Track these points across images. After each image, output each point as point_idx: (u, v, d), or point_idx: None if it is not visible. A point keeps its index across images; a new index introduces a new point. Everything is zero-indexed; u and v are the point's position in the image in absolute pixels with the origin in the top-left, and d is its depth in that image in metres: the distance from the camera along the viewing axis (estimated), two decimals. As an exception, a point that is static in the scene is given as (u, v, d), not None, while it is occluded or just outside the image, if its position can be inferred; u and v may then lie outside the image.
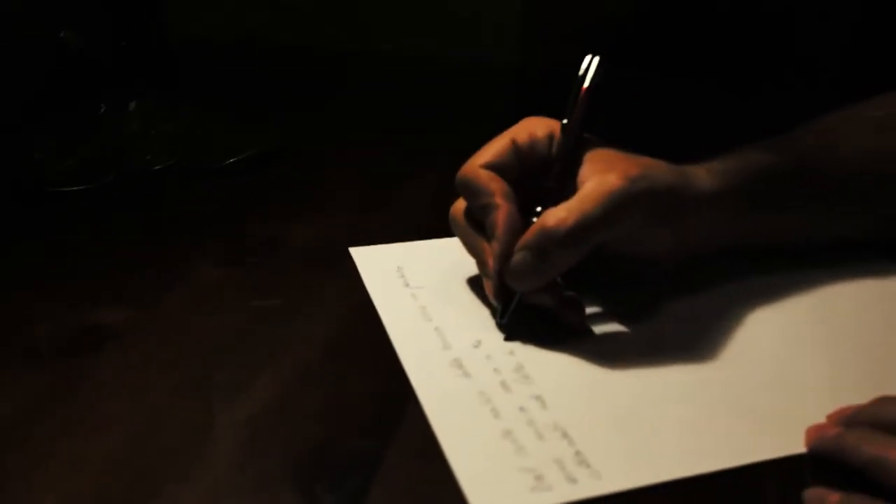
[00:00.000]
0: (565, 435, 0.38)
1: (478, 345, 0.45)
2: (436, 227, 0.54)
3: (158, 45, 0.71)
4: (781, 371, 0.44)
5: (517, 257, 0.44)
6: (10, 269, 0.53)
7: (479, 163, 0.47)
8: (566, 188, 0.45)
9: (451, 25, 0.97)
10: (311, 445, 0.39)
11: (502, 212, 0.45)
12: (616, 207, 0.43)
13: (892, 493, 0.35)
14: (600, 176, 0.44)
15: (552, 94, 0.49)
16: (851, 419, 0.39)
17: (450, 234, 0.50)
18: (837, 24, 0.83)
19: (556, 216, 0.43)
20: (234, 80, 0.89)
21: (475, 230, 0.47)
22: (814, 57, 0.85)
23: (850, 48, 0.83)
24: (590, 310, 0.48)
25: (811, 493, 0.36)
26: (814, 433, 0.39)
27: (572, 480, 0.36)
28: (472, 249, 0.48)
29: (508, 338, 0.45)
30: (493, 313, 0.47)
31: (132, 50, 0.67)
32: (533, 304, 0.46)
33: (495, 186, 0.46)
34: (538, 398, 0.41)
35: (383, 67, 0.94)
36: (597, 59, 0.47)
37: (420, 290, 0.50)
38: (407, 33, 0.97)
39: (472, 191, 0.47)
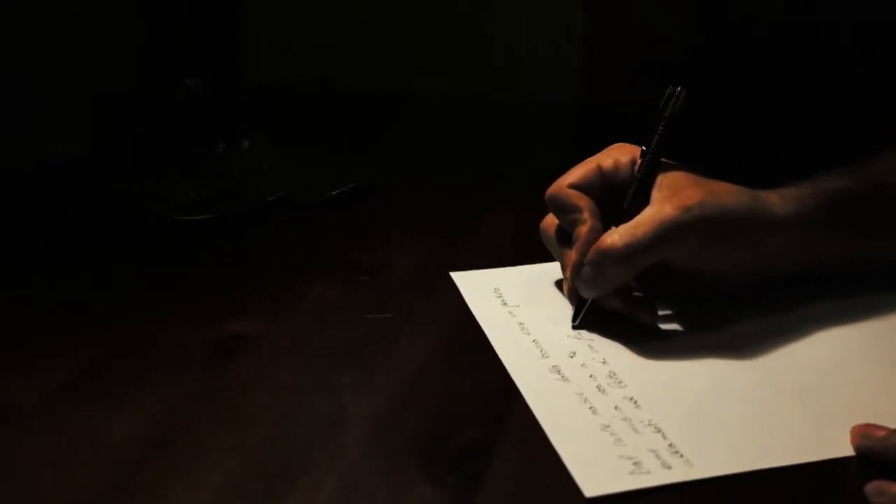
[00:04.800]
0: (658, 430, 0.43)
1: (573, 355, 0.50)
2: (516, 253, 0.61)
3: (255, 91, 0.79)
4: (849, 379, 0.48)
5: (583, 270, 0.50)
6: (151, 289, 0.59)
7: (567, 182, 0.53)
8: (640, 208, 0.51)
9: (514, 69, 1.05)
10: (431, 434, 0.44)
11: (586, 226, 0.51)
12: (665, 235, 0.49)
13: None
14: (659, 204, 0.50)
15: (610, 130, 0.55)
16: None
17: (532, 260, 0.55)
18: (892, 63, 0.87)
19: (611, 237, 0.49)
20: (316, 121, 0.97)
21: (561, 241, 0.54)
22: (869, 97, 0.89)
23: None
24: (669, 322, 0.53)
25: (872, 485, 0.39)
26: (859, 433, 0.42)
27: (667, 467, 0.41)
28: (558, 257, 0.54)
29: (577, 327, 0.52)
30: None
31: (242, 94, 0.74)
32: (604, 307, 0.51)
33: (583, 203, 0.52)
34: (631, 399, 0.46)
35: (449, 109, 1.01)
36: (680, 89, 0.52)
37: (516, 308, 0.55)
38: (472, 76, 1.05)
39: (561, 207, 0.52)
